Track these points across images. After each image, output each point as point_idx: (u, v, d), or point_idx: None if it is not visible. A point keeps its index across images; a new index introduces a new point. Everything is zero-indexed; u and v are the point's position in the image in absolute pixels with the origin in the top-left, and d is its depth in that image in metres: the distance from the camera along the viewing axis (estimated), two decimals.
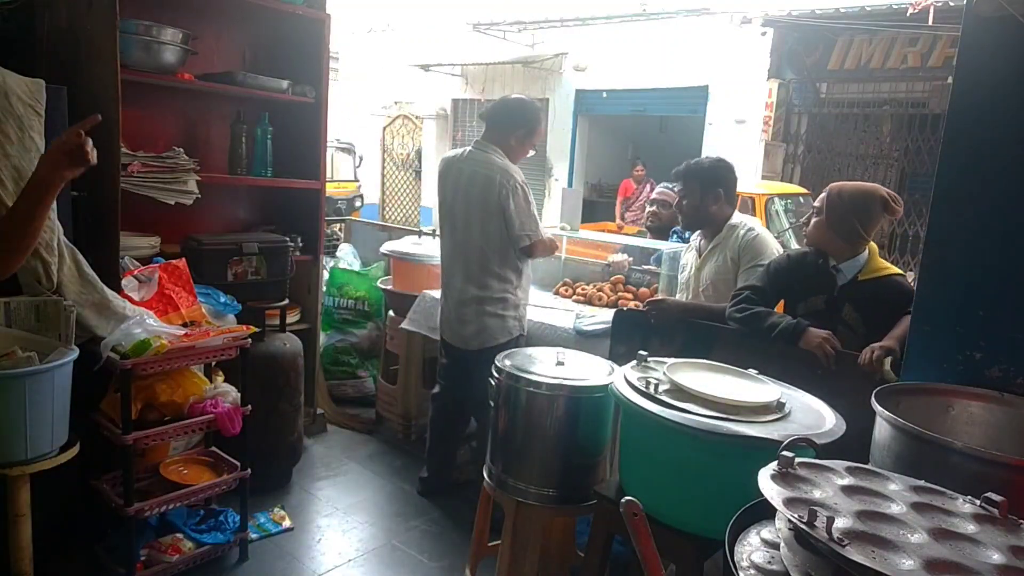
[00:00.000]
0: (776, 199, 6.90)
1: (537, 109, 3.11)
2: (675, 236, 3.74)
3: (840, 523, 0.96)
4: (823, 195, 2.39)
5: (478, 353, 2.99)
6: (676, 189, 2.92)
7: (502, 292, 2.98)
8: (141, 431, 2.36)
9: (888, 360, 2.00)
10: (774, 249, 2.75)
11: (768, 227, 6.50)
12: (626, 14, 10.07)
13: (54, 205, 2.27)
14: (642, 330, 2.60)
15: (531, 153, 3.13)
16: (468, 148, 3.08)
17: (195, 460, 2.78)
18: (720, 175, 2.81)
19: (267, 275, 3.27)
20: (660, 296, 3.09)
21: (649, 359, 1.95)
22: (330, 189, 8.68)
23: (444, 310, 3.14)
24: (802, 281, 2.39)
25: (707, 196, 2.80)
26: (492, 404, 2.29)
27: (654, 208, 4.06)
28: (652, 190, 9.12)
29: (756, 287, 2.41)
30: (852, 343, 2.14)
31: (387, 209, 13.43)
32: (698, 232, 2.98)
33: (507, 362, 2.26)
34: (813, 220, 2.39)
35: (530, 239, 2.94)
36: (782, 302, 2.47)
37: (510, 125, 3.01)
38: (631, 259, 3.88)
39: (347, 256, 4.80)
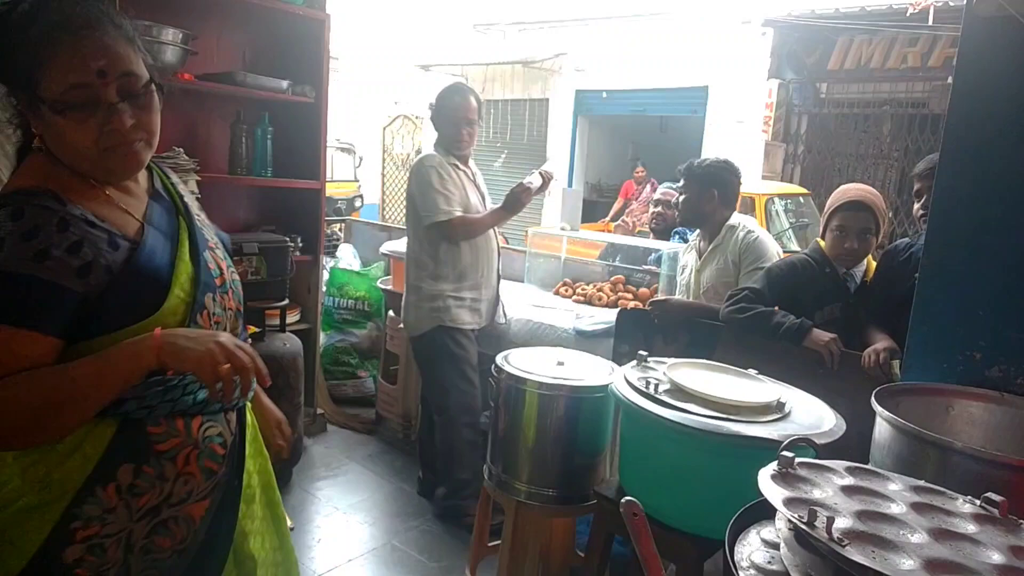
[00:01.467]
0: (776, 199, 6.91)
1: (448, 90, 3.03)
2: (676, 237, 3.74)
3: (840, 523, 0.96)
4: (862, 215, 2.32)
5: (410, 344, 3.13)
6: (676, 187, 2.95)
7: (417, 280, 2.99)
8: None
9: (896, 362, 2.01)
10: (775, 251, 2.75)
11: (768, 227, 6.52)
12: (626, 14, 10.07)
13: None
14: (646, 329, 2.60)
15: (466, 132, 2.97)
16: None
17: None
18: (717, 175, 2.80)
19: (267, 275, 3.27)
20: (663, 296, 3.09)
21: (649, 359, 1.95)
22: (330, 189, 8.66)
23: None
24: (813, 291, 2.37)
25: (702, 195, 2.80)
26: (492, 404, 2.29)
27: (659, 209, 4.06)
28: (653, 190, 9.15)
29: (754, 289, 2.39)
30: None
31: (387, 209, 13.44)
32: (697, 232, 2.99)
33: (507, 362, 2.26)
34: (861, 245, 2.33)
35: (431, 219, 2.85)
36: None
37: (432, 113, 3.05)
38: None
39: (347, 256, 4.81)
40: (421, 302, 2.96)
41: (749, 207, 6.74)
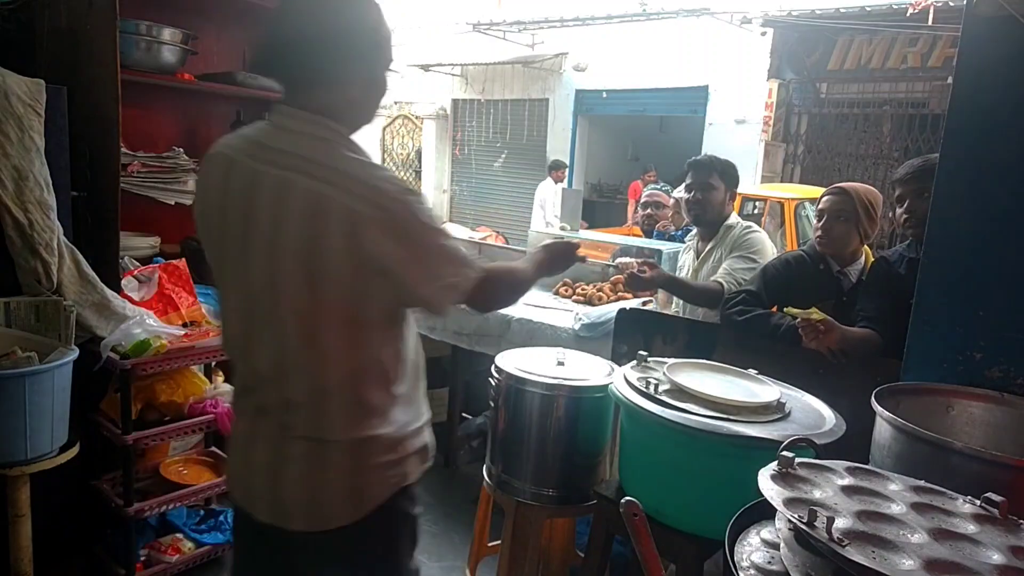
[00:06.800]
0: (807, 203, 6.80)
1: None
2: (656, 234, 3.75)
3: (840, 523, 0.96)
4: (839, 198, 2.35)
5: None
6: (687, 181, 2.84)
7: None
8: (141, 431, 2.36)
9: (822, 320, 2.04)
10: (769, 248, 2.74)
11: (797, 233, 6.49)
12: (626, 14, 10.06)
13: (54, 205, 2.28)
14: (645, 330, 2.60)
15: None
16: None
17: (195, 460, 2.78)
18: (736, 177, 2.85)
19: None
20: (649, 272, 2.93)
21: (649, 359, 1.95)
22: None
23: None
24: (805, 288, 2.37)
25: (727, 195, 2.80)
26: (492, 404, 2.29)
27: (648, 211, 4.07)
28: None
29: (751, 291, 2.39)
30: None
31: None
32: (694, 233, 2.97)
33: (507, 362, 2.26)
34: (834, 225, 2.35)
35: None
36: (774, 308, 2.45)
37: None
38: (639, 262, 3.83)
39: None
40: None
41: (778, 213, 6.68)
